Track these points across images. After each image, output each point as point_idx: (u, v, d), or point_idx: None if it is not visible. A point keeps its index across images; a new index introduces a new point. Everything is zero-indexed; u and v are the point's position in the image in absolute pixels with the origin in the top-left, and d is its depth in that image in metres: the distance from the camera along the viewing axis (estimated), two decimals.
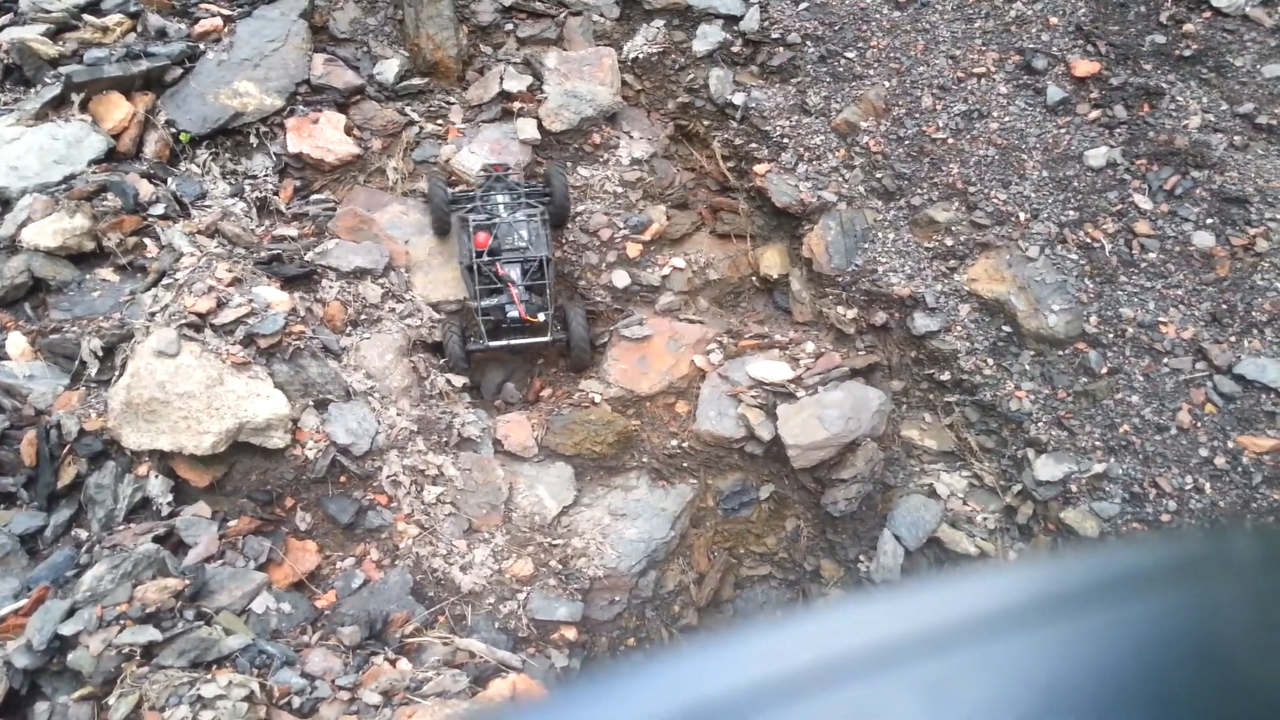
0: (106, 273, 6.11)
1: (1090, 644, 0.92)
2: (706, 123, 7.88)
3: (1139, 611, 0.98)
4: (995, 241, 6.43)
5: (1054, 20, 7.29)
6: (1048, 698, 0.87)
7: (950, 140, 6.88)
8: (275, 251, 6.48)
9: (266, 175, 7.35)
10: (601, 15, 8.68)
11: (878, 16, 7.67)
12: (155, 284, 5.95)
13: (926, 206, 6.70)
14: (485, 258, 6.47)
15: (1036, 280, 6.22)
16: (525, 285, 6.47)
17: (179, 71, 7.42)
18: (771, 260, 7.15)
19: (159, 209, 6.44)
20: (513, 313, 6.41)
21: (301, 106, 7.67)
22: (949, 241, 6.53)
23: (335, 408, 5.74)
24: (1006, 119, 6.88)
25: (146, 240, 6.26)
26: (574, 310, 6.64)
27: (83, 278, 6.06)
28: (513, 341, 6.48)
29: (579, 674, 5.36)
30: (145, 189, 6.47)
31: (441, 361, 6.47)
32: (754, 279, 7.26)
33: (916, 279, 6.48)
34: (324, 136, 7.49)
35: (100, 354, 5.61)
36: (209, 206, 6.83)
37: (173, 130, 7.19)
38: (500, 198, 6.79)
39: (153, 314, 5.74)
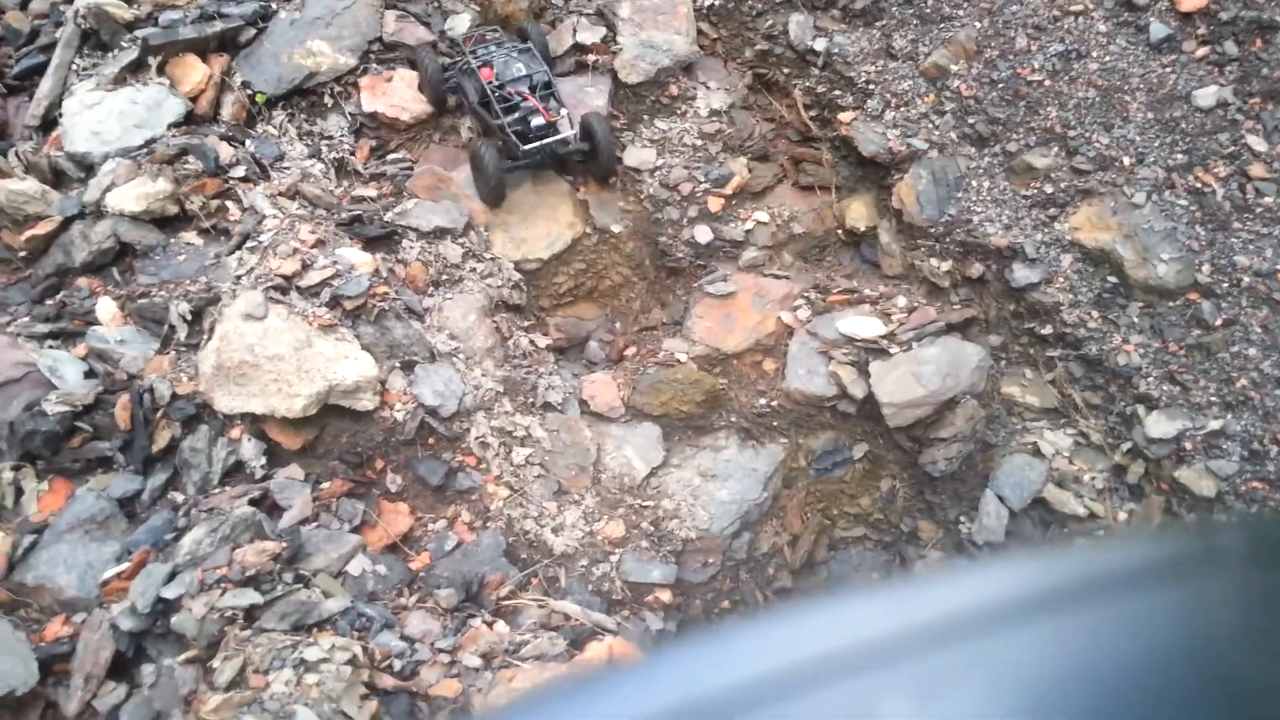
0: (191, 236, 6.08)
1: (1083, 640, 0.92)
2: (786, 71, 7.62)
3: (1131, 607, 0.98)
4: (1098, 188, 6.14)
5: None
6: (1040, 694, 0.87)
7: (1047, 82, 6.56)
8: (356, 212, 6.40)
9: (342, 135, 7.27)
10: None
11: None
12: (239, 247, 5.91)
13: (1023, 153, 6.41)
14: (494, 84, 6.75)
15: (1144, 228, 5.92)
16: (538, 98, 6.73)
17: (252, 32, 7.34)
18: (858, 212, 6.91)
19: (239, 171, 6.38)
20: (537, 120, 6.61)
21: (375, 65, 7.55)
22: (1048, 189, 6.25)
23: (421, 369, 5.67)
24: (1107, 59, 6.55)
25: (229, 203, 6.21)
26: (595, 118, 6.87)
27: (168, 241, 6.04)
28: (544, 141, 6.65)
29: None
30: (225, 152, 6.41)
31: (487, 177, 6.64)
32: (839, 232, 7.04)
33: (1014, 229, 6.22)
34: (398, 95, 7.38)
35: (189, 318, 5.58)
36: (287, 168, 6.76)
37: (249, 91, 7.12)
38: (487, 48, 7.07)
39: (238, 277, 5.70)
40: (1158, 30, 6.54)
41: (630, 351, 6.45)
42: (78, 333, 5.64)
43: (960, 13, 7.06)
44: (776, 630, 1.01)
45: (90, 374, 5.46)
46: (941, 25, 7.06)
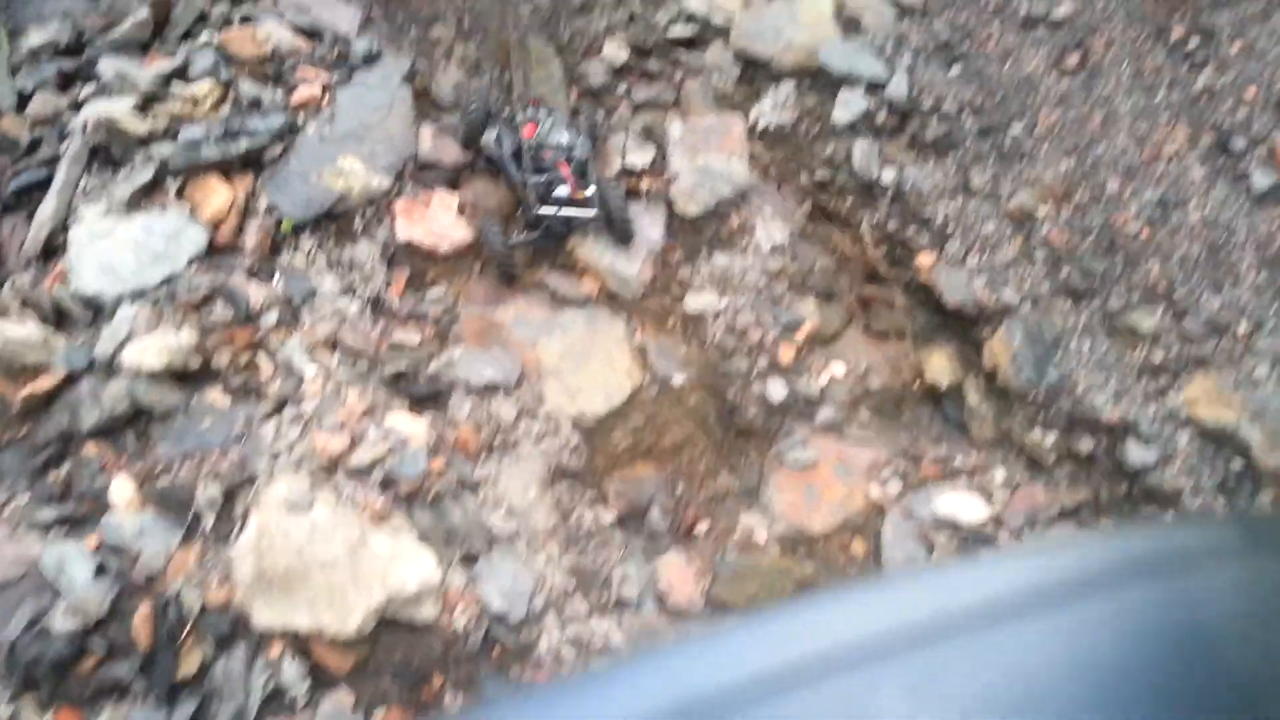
0: (216, 395, 5.33)
1: (1077, 635, 0.93)
2: (850, 201, 7.05)
3: (1126, 602, 0.99)
4: (1213, 358, 5.61)
5: (1249, 93, 6.45)
6: (1034, 689, 0.87)
7: (1145, 232, 6.05)
8: (399, 366, 5.69)
9: (374, 265, 6.57)
10: (721, 76, 7.87)
11: (1044, 85, 6.84)
12: (276, 412, 5.17)
13: (1126, 311, 5.87)
14: (534, 142, 6.69)
15: (1273, 408, 5.38)
16: (572, 170, 6.63)
17: (279, 149, 6.64)
18: (939, 366, 6.32)
19: (271, 317, 5.66)
20: (562, 189, 6.52)
21: (410, 185, 6.88)
22: (1157, 355, 5.70)
23: (484, 563, 4.95)
24: (1208, 209, 6.06)
25: (260, 356, 5.48)
26: (609, 186, 6.75)
27: (189, 402, 5.29)
28: (561, 211, 6.50)
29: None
30: (255, 294, 5.69)
31: None
32: (917, 386, 6.43)
33: (1125, 400, 5.65)
34: (436, 221, 6.71)
35: (219, 502, 4.82)
36: (319, 308, 6.05)
37: (275, 217, 6.40)
38: (542, 111, 6.99)
39: (276, 453, 4.96)
40: (1261, 180, 6.08)
41: (702, 527, 5.76)
42: (87, 518, 4.86)
43: (1043, 150, 6.55)
44: (772, 628, 0.99)
45: (102, 570, 4.67)
46: (1023, 163, 6.54)
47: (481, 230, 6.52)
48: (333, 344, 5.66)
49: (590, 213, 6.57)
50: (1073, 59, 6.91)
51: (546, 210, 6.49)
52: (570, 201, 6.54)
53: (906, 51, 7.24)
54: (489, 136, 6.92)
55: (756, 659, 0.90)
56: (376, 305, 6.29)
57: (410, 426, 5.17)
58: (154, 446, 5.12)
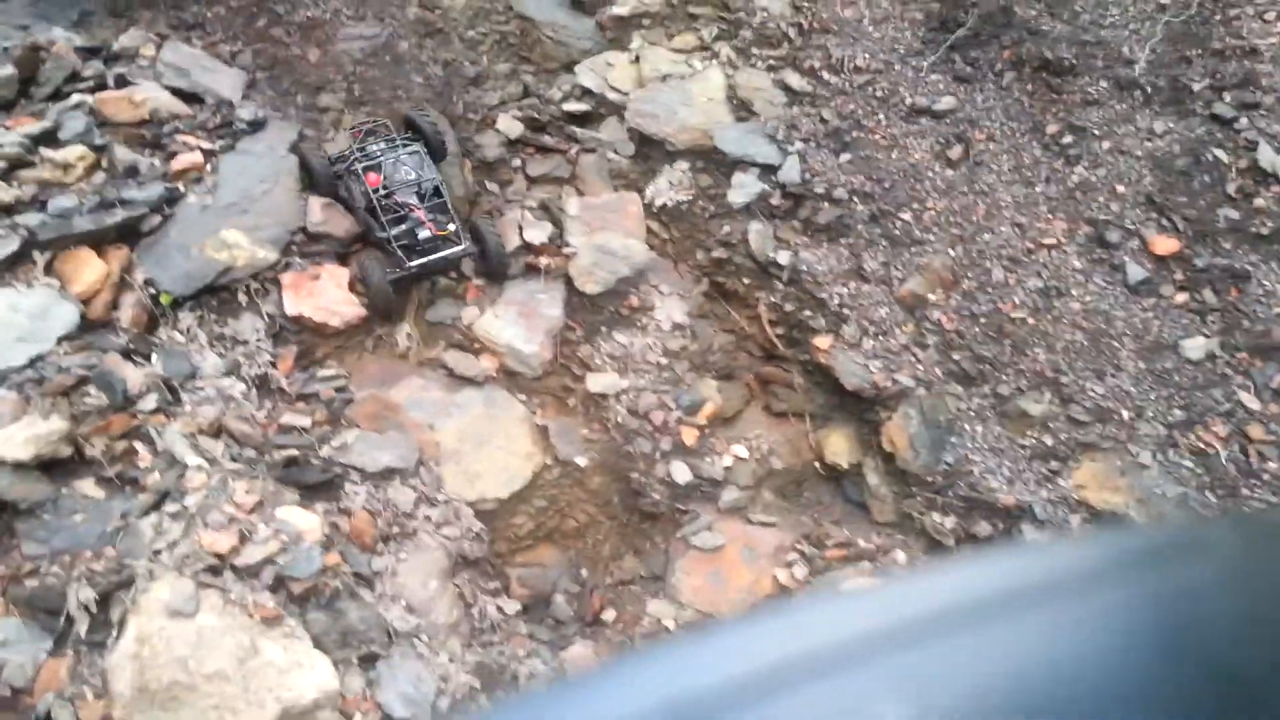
0: (89, 486, 4.97)
1: (1068, 634, 0.92)
2: (746, 281, 7.16)
3: (1117, 601, 0.98)
4: (1100, 442, 5.86)
5: (1121, 189, 6.86)
6: (1024, 688, 0.87)
7: (1031, 320, 6.32)
8: (289, 450, 5.43)
9: (259, 341, 6.29)
10: (616, 153, 7.93)
11: (930, 175, 7.12)
12: (156, 507, 4.83)
13: (1016, 397, 6.10)
14: (381, 193, 6.56)
15: (1155, 492, 5.65)
16: (426, 208, 6.61)
17: (157, 220, 6.33)
18: (838, 446, 6.42)
19: (150, 402, 5.32)
20: (424, 233, 6.48)
21: (298, 259, 6.65)
22: (1048, 440, 5.93)
23: (385, 664, 4.71)
24: (1088, 298, 6.37)
25: (137, 444, 5.14)
26: (483, 222, 6.87)
27: (58, 494, 4.90)
28: (430, 259, 6.47)
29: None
30: (132, 376, 5.34)
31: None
32: (818, 465, 6.50)
33: (1018, 483, 5.84)
34: (326, 296, 6.48)
35: (93, 607, 4.45)
36: (201, 389, 5.74)
37: (152, 291, 6.07)
38: (376, 145, 6.86)
39: (157, 551, 4.63)
40: (1135, 272, 6.44)
41: (609, 615, 5.64)
42: None
43: (931, 237, 6.79)
44: (761, 629, 0.98)
45: None
46: (913, 249, 6.76)
47: (362, 268, 6.46)
48: (218, 430, 5.35)
49: (461, 246, 6.62)
50: (956, 150, 7.23)
51: (417, 262, 6.48)
52: (435, 242, 6.55)
53: (798, 137, 7.44)
54: (341, 191, 6.85)
55: (746, 659, 0.89)
56: (264, 385, 6.01)
57: (303, 520, 4.91)
58: (19, 544, 4.71)
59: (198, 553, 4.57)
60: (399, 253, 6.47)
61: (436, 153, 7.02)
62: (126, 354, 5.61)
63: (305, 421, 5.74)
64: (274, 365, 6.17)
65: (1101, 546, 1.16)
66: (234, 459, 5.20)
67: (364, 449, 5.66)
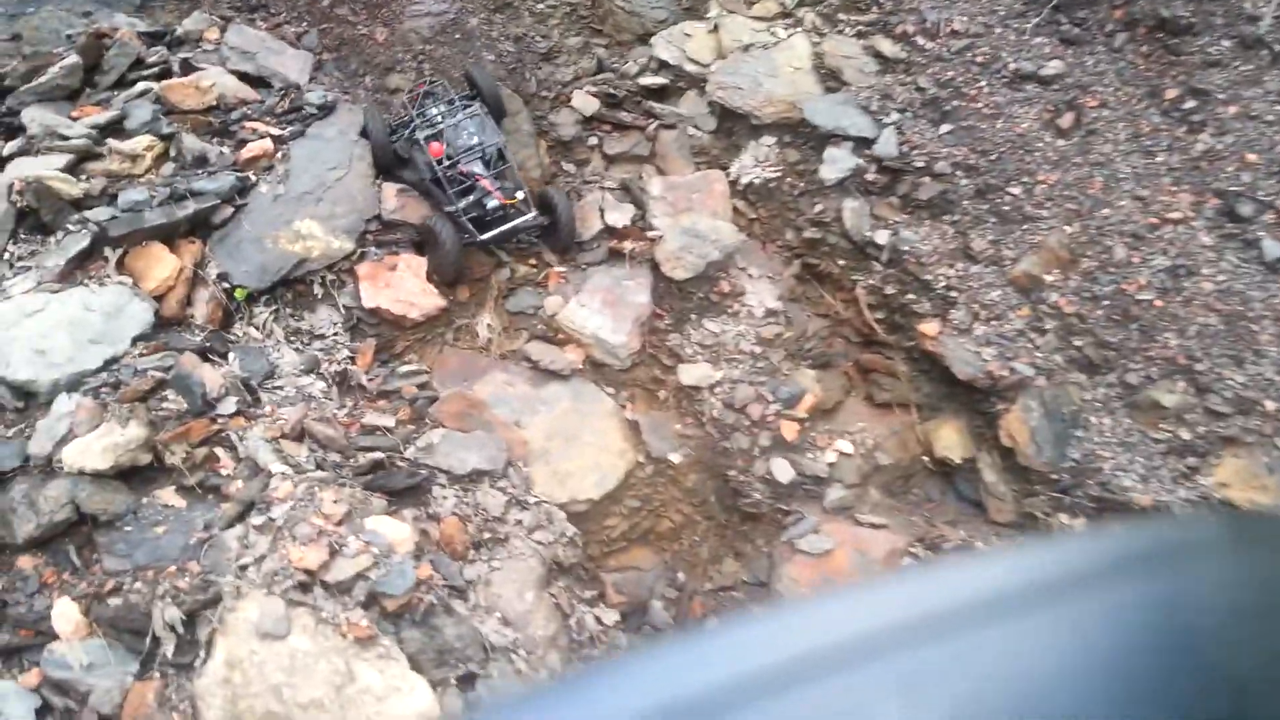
0: (169, 495, 4.74)
1: (1066, 634, 0.92)
2: (842, 262, 6.75)
3: (1114, 601, 0.97)
4: (1242, 436, 5.40)
5: (1251, 157, 6.33)
6: (1024, 688, 0.87)
7: (1159, 302, 5.85)
8: (375, 454, 5.17)
9: (337, 335, 6.05)
10: (697, 128, 7.55)
11: (1040, 146, 6.64)
12: (241, 518, 4.59)
13: (1146, 386, 5.65)
14: (446, 164, 6.33)
15: None
16: (492, 175, 6.41)
17: (229, 211, 6.09)
18: (949, 440, 6.02)
19: (229, 405, 5.08)
20: (492, 202, 6.28)
21: (374, 249, 6.38)
22: (1184, 433, 5.48)
23: (483, 685, 4.43)
24: (1221, 278, 5.89)
25: (219, 449, 4.90)
26: (554, 191, 6.65)
27: (139, 504, 4.68)
28: (501, 229, 6.29)
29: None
30: (210, 379, 5.10)
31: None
32: (926, 460, 6.11)
33: (1153, 481, 5.41)
34: (404, 287, 6.21)
35: (179, 627, 4.23)
36: (280, 388, 5.50)
37: (226, 286, 5.84)
38: (435, 109, 6.63)
39: (244, 566, 4.39)
40: (1272, 249, 5.94)
41: (711, 624, 5.32)
42: (26, 648, 4.24)
43: (1044, 213, 6.33)
44: (763, 628, 0.99)
45: (45, 711, 4.06)
46: (1025, 226, 6.31)
47: (432, 231, 6.22)
48: (300, 433, 5.10)
49: (530, 215, 6.38)
50: (1066, 118, 6.74)
51: (489, 235, 6.28)
52: (504, 211, 6.33)
53: (893, 108, 6.99)
54: (400, 157, 6.63)
55: (748, 659, 0.89)
56: (344, 382, 5.76)
57: (393, 530, 4.64)
58: (101, 559, 4.50)
59: (286, 569, 4.32)
60: (469, 225, 6.26)
61: (496, 111, 6.82)
62: (203, 353, 5.38)
63: (389, 421, 5.48)
64: (353, 360, 5.92)
65: (1099, 548, 1.15)
66: (319, 464, 4.95)
67: (450, 450, 5.39)
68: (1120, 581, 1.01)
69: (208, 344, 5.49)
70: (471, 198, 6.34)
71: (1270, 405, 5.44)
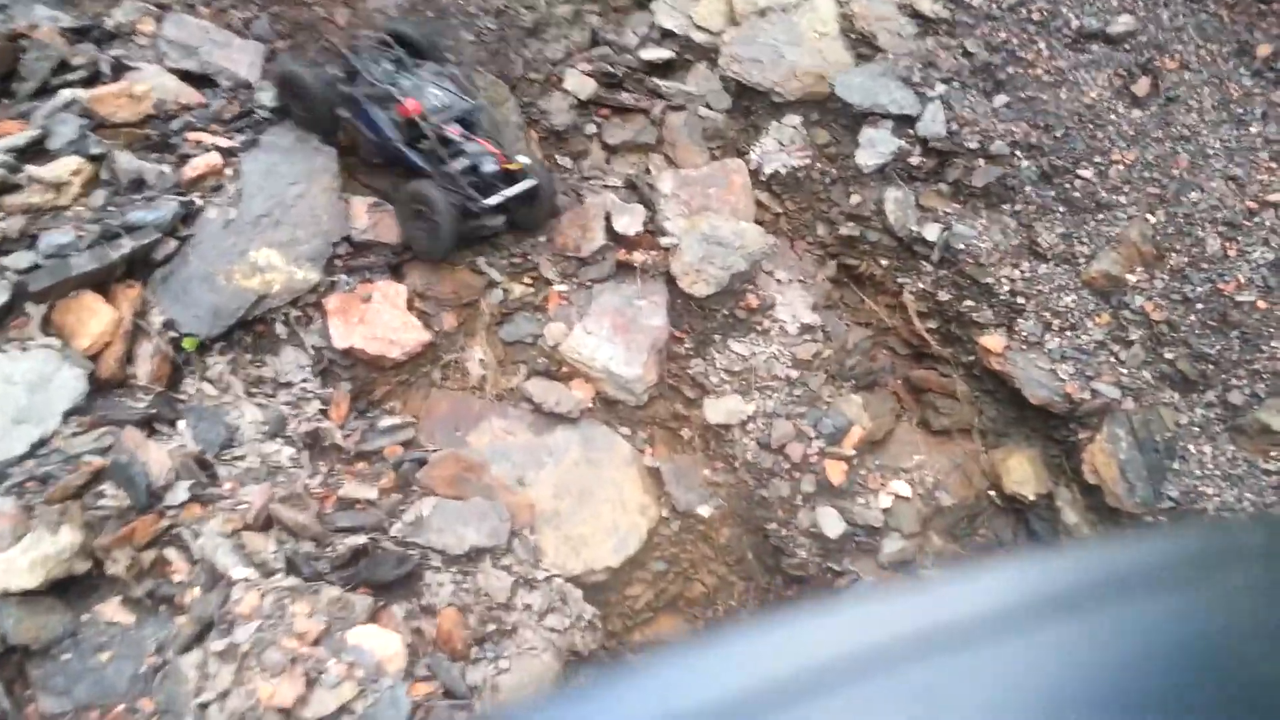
0: (114, 609, 4.17)
1: (1090, 643, 0.92)
2: (885, 262, 6.09)
3: (1142, 609, 0.97)
4: None
5: None
6: (1046, 698, 0.86)
7: (1262, 304, 5.20)
8: (357, 539, 4.56)
9: (305, 381, 5.42)
10: (710, 108, 6.83)
11: (1113, 118, 5.94)
12: (199, 639, 4.00)
13: (1253, 406, 5.02)
14: (432, 122, 5.61)
15: None
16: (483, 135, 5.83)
17: (172, 245, 5.42)
18: (1020, 472, 5.40)
19: (180, 491, 4.47)
20: (490, 165, 5.67)
21: (344, 277, 5.74)
22: None
23: None
24: None
25: (170, 550, 4.30)
26: (527, 157, 5.95)
27: (78, 624, 4.11)
28: (508, 194, 5.63)
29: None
30: (157, 461, 4.49)
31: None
32: (993, 495, 5.49)
33: None
34: (381, 321, 5.57)
35: None
36: (241, 458, 4.88)
37: (173, 335, 5.20)
38: (384, 64, 5.88)
39: (204, 704, 3.80)
40: None
41: None
42: None
43: (1121, 199, 5.64)
44: (779, 637, 0.98)
45: None
46: (1100, 216, 5.63)
47: (420, 197, 5.53)
48: (265, 521, 4.49)
49: (531, 182, 5.76)
50: (1142, 84, 6.02)
51: (495, 199, 5.62)
52: (506, 176, 5.72)
53: (938, 78, 6.29)
54: (362, 125, 5.83)
55: (765, 668, 0.89)
56: (315, 443, 5.14)
57: (380, 644, 4.05)
58: (35, 698, 3.92)
59: (255, 709, 3.73)
60: (471, 191, 5.61)
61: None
62: (148, 424, 4.77)
63: (371, 492, 4.87)
64: (325, 414, 5.30)
65: (1128, 557, 1.14)
66: (289, 561, 4.34)
67: (444, 524, 4.78)
68: (1148, 591, 0.99)
69: (153, 410, 4.86)
70: (467, 160, 5.69)
71: None
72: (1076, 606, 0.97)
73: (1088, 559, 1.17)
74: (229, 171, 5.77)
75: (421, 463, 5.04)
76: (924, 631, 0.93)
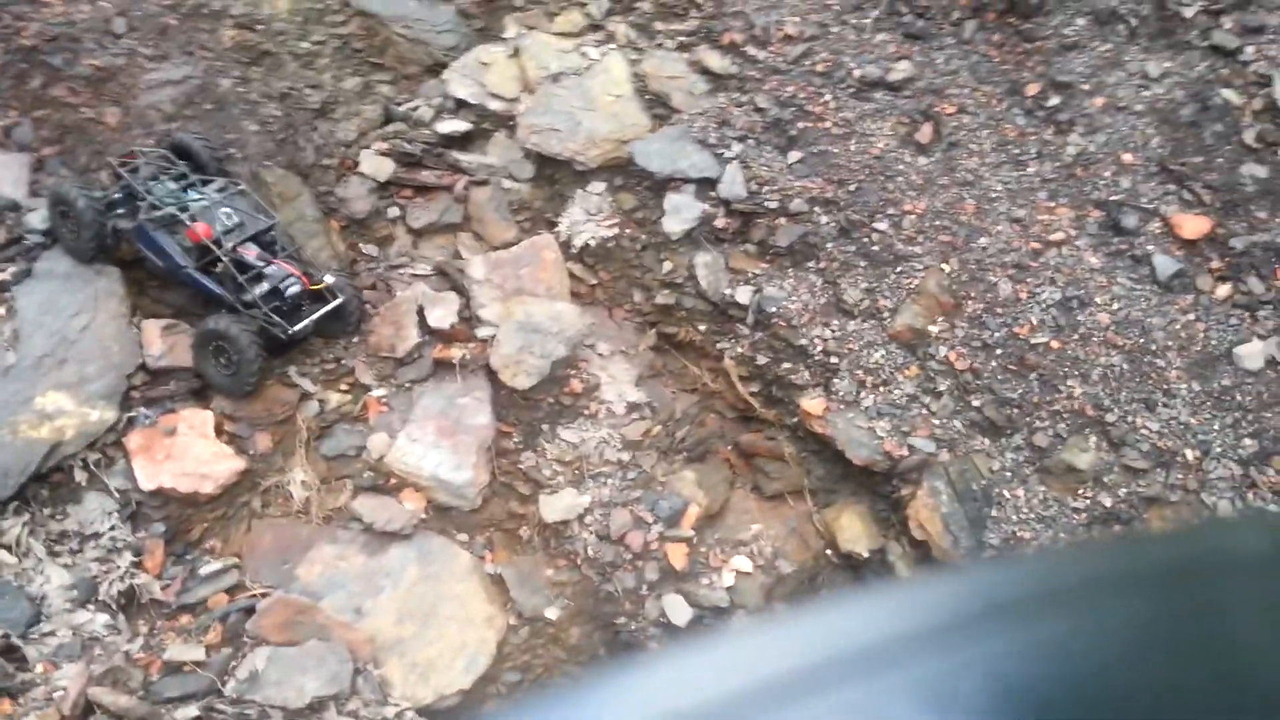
0: None
1: (1094, 641, 0.93)
2: (703, 327, 6.22)
3: (1145, 609, 0.99)
4: (1166, 495, 5.17)
5: (1127, 157, 6.08)
6: (1047, 696, 0.88)
7: (1055, 344, 5.56)
8: (190, 710, 4.39)
9: (114, 528, 5.18)
10: (513, 178, 6.82)
11: (901, 166, 6.24)
12: None
13: (1057, 447, 5.36)
14: (227, 246, 5.48)
15: None
16: (284, 256, 5.68)
17: None
18: (853, 530, 5.63)
19: None
20: (293, 287, 5.56)
21: (143, 411, 5.50)
22: (1105, 499, 5.21)
23: None
24: (1116, 306, 5.63)
25: None
26: (329, 274, 5.80)
27: None
28: (313, 317, 5.60)
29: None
30: None
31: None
32: (830, 554, 5.71)
33: None
34: (190, 455, 5.38)
35: None
36: (51, 634, 4.64)
37: None
38: (167, 184, 5.72)
39: None
40: (1164, 264, 5.71)
41: None
42: None
43: (917, 249, 5.94)
44: (783, 634, 1.01)
45: None
46: (899, 269, 5.91)
47: (223, 334, 5.30)
48: (85, 708, 4.27)
49: (339, 300, 5.69)
50: (925, 130, 6.34)
51: (300, 325, 5.52)
52: (310, 297, 5.63)
53: (732, 137, 6.45)
54: (148, 252, 5.59)
55: (767, 665, 0.89)
56: (131, 602, 4.93)
57: None
58: None
59: None
60: (277, 319, 5.46)
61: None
62: None
63: (197, 652, 4.70)
64: (139, 565, 5.07)
65: (1132, 557, 1.17)
66: None
67: (281, 675, 4.66)
68: (1152, 590, 1.01)
69: None
70: (266, 285, 5.50)
71: (1190, 454, 5.23)
72: (1084, 603, 0.99)
73: (1097, 558, 1.19)
74: (2, 310, 5.44)
75: (250, 611, 4.89)
76: (930, 628, 0.94)
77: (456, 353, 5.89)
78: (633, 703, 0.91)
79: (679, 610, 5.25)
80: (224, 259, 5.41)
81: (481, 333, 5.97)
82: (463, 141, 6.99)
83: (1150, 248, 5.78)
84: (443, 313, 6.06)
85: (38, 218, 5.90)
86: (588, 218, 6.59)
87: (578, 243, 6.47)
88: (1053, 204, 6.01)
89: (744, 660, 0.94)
